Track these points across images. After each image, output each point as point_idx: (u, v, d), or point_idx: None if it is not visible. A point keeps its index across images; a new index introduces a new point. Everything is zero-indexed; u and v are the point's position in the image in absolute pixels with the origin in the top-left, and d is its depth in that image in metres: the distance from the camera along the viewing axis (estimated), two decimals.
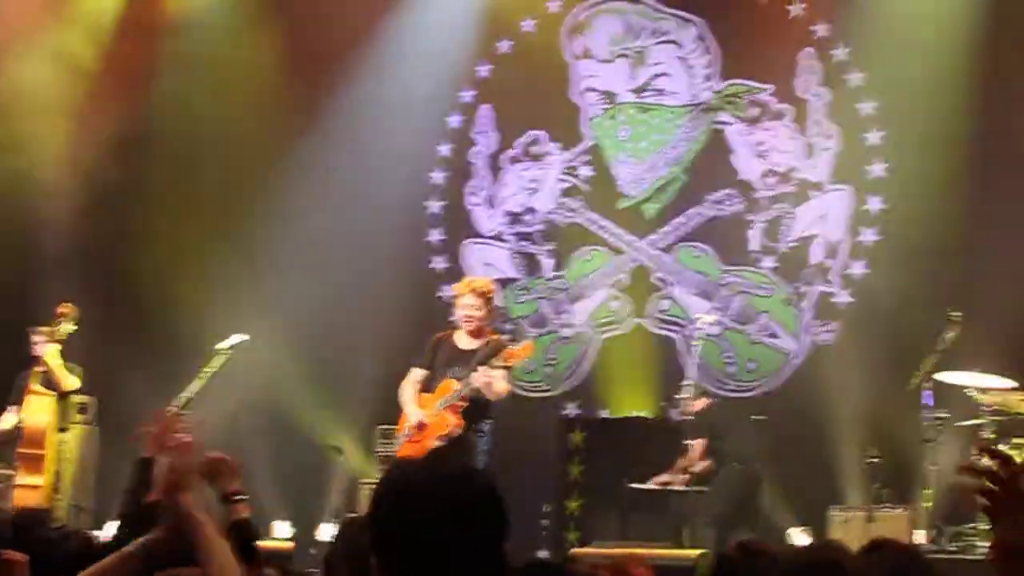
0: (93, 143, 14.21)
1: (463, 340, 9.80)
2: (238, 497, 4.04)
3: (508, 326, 13.31)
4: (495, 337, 9.90)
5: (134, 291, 14.09)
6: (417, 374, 9.86)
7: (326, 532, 12.31)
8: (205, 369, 11.14)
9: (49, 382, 12.05)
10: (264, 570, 3.99)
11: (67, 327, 12.04)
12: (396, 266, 14.21)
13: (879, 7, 13.10)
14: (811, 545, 3.96)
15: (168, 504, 3.25)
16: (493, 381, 9.39)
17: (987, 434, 10.58)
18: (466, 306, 9.77)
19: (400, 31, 14.41)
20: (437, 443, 9.45)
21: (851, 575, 3.58)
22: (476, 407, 9.53)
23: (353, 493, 12.58)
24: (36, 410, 12.07)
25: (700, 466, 11.68)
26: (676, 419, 11.89)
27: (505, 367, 9.48)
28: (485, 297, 9.84)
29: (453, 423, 9.49)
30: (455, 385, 9.55)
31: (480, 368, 9.40)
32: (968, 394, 10.67)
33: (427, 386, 9.77)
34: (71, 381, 12.09)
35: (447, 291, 14.29)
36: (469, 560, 2.65)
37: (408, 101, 14.40)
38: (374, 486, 2.80)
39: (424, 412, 9.63)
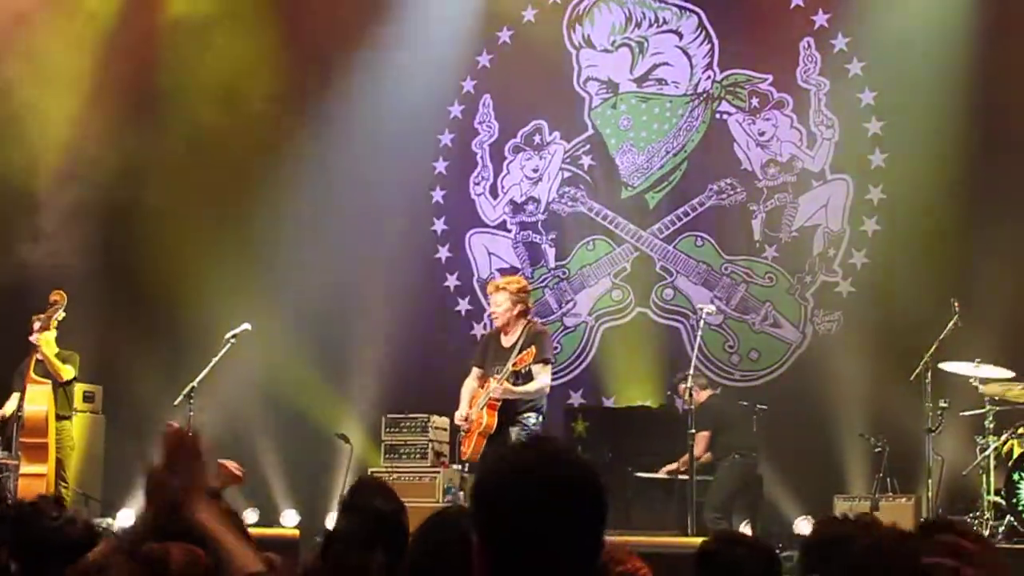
0: (99, 135, 14.27)
1: (505, 338, 10.33)
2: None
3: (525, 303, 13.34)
4: (531, 328, 10.33)
5: (140, 279, 14.18)
6: (475, 372, 10.40)
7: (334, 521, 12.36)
8: (211, 358, 11.24)
9: (47, 371, 12.13)
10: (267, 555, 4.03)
11: (59, 315, 12.12)
12: (401, 255, 14.31)
13: None
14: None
15: (182, 520, 3.26)
16: (508, 388, 9.98)
17: (988, 422, 10.70)
18: (494, 304, 10.42)
19: (402, 22, 14.45)
20: (480, 439, 10.06)
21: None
22: (509, 405, 10.05)
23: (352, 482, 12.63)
24: (35, 399, 12.16)
25: (704, 457, 11.84)
26: (680, 408, 11.96)
27: (514, 371, 10.02)
28: (508, 291, 10.35)
29: (487, 422, 10.01)
30: (492, 384, 10.04)
31: (500, 378, 9.98)
32: (971, 383, 10.77)
33: (483, 383, 10.32)
34: (67, 369, 12.16)
35: (452, 280, 14.41)
36: (571, 542, 2.68)
37: (410, 91, 14.46)
38: (481, 469, 2.83)
39: (469, 410, 10.20)
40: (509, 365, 9.97)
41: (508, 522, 2.69)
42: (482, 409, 10.05)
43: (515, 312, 10.28)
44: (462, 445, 10.40)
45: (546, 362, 10.20)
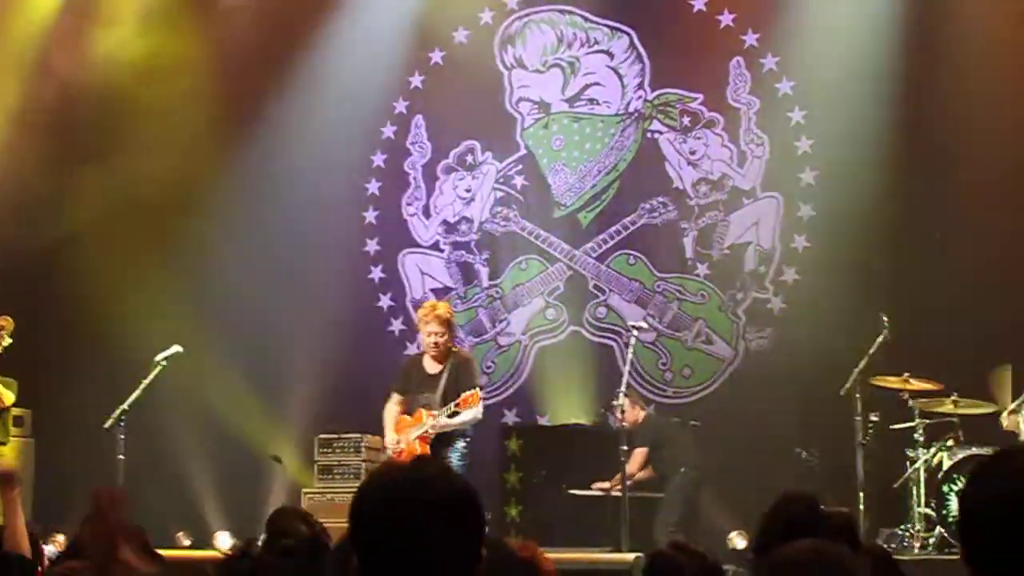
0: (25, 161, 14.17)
1: (429, 364, 10.52)
2: None
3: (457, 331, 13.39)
4: (457, 356, 10.61)
5: (69, 302, 14.04)
6: (396, 398, 10.59)
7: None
8: (142, 381, 11.16)
9: None
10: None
11: (4, 341, 11.97)
12: (334, 276, 14.28)
13: (806, 17, 13.25)
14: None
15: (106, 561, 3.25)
16: (445, 423, 10.22)
17: (918, 435, 10.79)
18: (432, 333, 10.48)
19: (334, 42, 14.44)
20: None
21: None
22: (442, 435, 10.29)
23: (293, 502, 12.61)
24: None
25: (641, 474, 11.88)
26: (614, 426, 11.99)
27: (455, 412, 10.23)
28: (448, 323, 10.60)
29: (420, 452, 10.07)
30: (425, 417, 10.25)
31: (438, 415, 10.21)
32: (901, 397, 10.87)
33: (407, 408, 10.54)
34: (8, 395, 12.02)
35: (386, 300, 14.39)
36: (448, 559, 2.73)
37: (342, 111, 14.45)
38: (357, 491, 2.88)
39: (398, 437, 10.37)
40: (452, 405, 10.17)
41: (382, 542, 2.74)
42: (414, 441, 10.26)
43: (449, 340, 10.48)
44: None
45: (480, 388, 10.53)
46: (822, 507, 3.68)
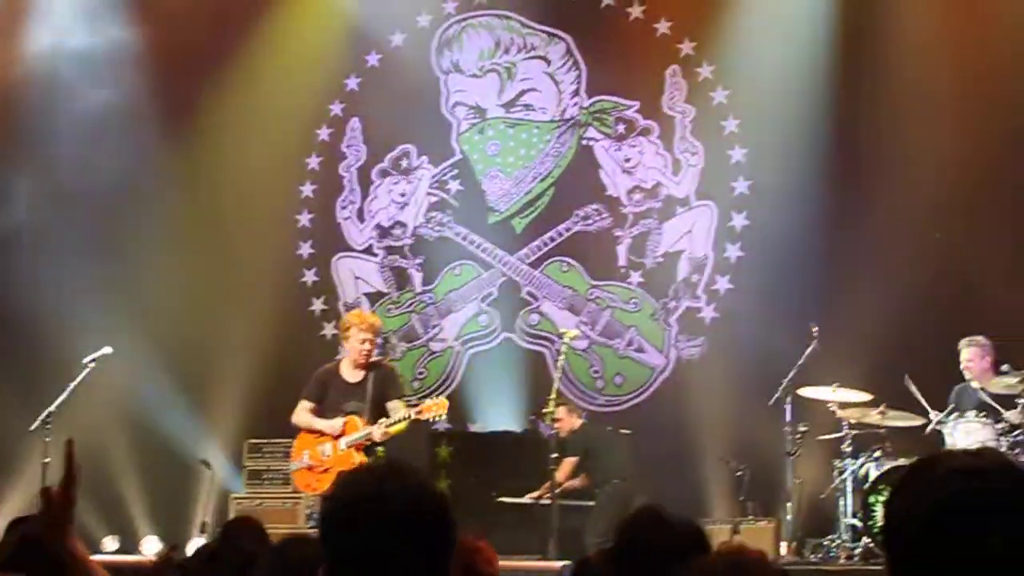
0: None
1: (348, 372, 10.38)
2: None
3: (378, 340, 13.29)
4: (381, 366, 10.55)
5: None
6: (307, 405, 10.42)
7: (195, 547, 12.20)
8: (69, 384, 11.04)
9: None
10: None
11: None
12: (266, 279, 14.21)
13: (742, 27, 13.32)
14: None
15: (51, 546, 3.17)
16: (386, 432, 10.06)
17: (846, 446, 10.85)
18: (366, 341, 10.35)
19: (270, 43, 14.34)
20: None
21: None
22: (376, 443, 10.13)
23: (222, 507, 12.53)
24: None
25: (572, 483, 11.86)
26: (545, 434, 11.98)
27: (398, 422, 10.10)
28: (379, 332, 10.70)
29: (358, 460, 9.93)
30: (360, 424, 10.11)
31: (383, 423, 10.06)
32: (829, 408, 10.93)
33: (324, 417, 10.34)
34: None
35: (318, 304, 14.31)
36: (415, 564, 2.70)
37: (277, 114, 14.37)
38: (324, 497, 2.85)
39: (330, 445, 10.22)
40: (405, 413, 10.08)
41: (353, 545, 2.71)
42: (349, 448, 10.13)
43: (375, 349, 10.53)
44: (317, 482, 10.28)
45: (405, 397, 10.59)
46: (671, 517, 3.70)
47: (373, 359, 10.48)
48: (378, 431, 10.03)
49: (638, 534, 3.75)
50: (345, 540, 2.73)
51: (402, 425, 10.11)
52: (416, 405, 10.29)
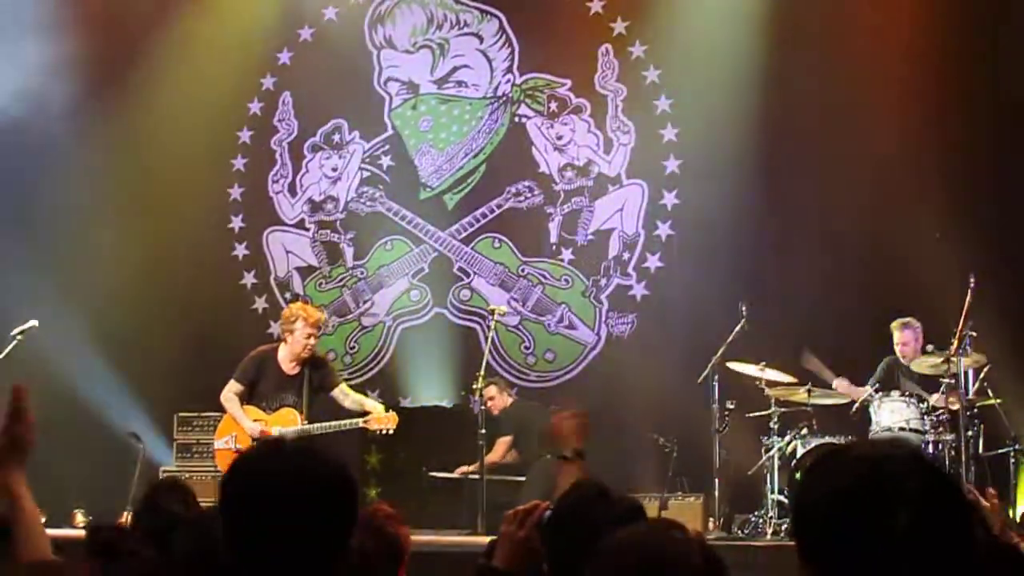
0: None
1: (287, 364, 10.33)
2: None
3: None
4: (315, 358, 10.47)
5: None
6: (236, 387, 10.35)
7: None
8: None
9: None
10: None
11: None
12: (197, 252, 14.16)
13: (675, 7, 13.39)
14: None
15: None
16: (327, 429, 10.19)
17: (773, 424, 10.97)
18: (308, 336, 10.27)
19: (201, 17, 14.25)
20: None
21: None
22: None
23: (152, 480, 12.46)
24: None
25: (508, 457, 11.95)
26: (475, 409, 12.02)
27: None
28: (321, 329, 10.66)
29: None
30: (298, 419, 10.15)
31: (370, 418, 10.23)
32: (757, 386, 11.04)
33: (248, 400, 10.33)
34: None
35: (249, 278, 14.27)
36: (317, 542, 2.74)
37: (209, 87, 14.28)
38: (224, 475, 2.87)
39: (260, 426, 10.16)
40: (360, 421, 10.24)
41: (250, 519, 2.76)
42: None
43: None
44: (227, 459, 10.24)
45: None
46: (612, 493, 3.75)
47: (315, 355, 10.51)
48: (372, 426, 10.26)
49: (577, 506, 3.80)
50: (243, 514, 2.77)
51: (380, 408, 10.35)
52: (366, 414, 10.32)
